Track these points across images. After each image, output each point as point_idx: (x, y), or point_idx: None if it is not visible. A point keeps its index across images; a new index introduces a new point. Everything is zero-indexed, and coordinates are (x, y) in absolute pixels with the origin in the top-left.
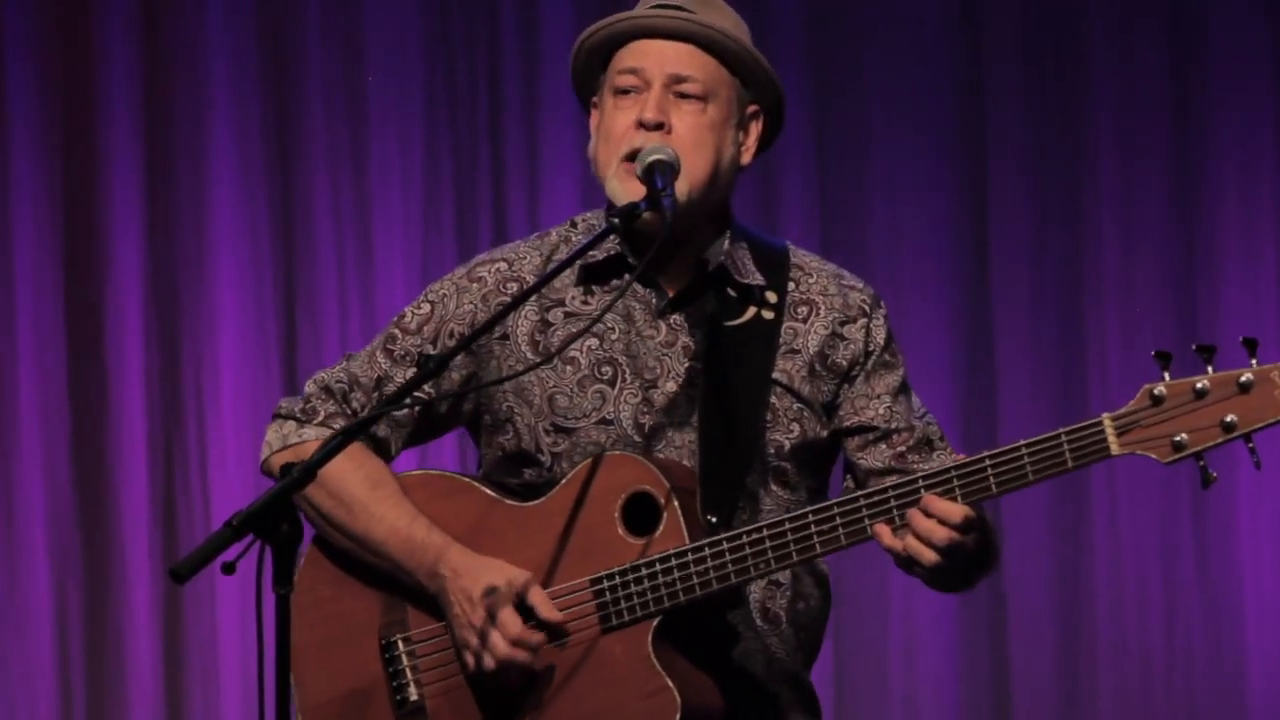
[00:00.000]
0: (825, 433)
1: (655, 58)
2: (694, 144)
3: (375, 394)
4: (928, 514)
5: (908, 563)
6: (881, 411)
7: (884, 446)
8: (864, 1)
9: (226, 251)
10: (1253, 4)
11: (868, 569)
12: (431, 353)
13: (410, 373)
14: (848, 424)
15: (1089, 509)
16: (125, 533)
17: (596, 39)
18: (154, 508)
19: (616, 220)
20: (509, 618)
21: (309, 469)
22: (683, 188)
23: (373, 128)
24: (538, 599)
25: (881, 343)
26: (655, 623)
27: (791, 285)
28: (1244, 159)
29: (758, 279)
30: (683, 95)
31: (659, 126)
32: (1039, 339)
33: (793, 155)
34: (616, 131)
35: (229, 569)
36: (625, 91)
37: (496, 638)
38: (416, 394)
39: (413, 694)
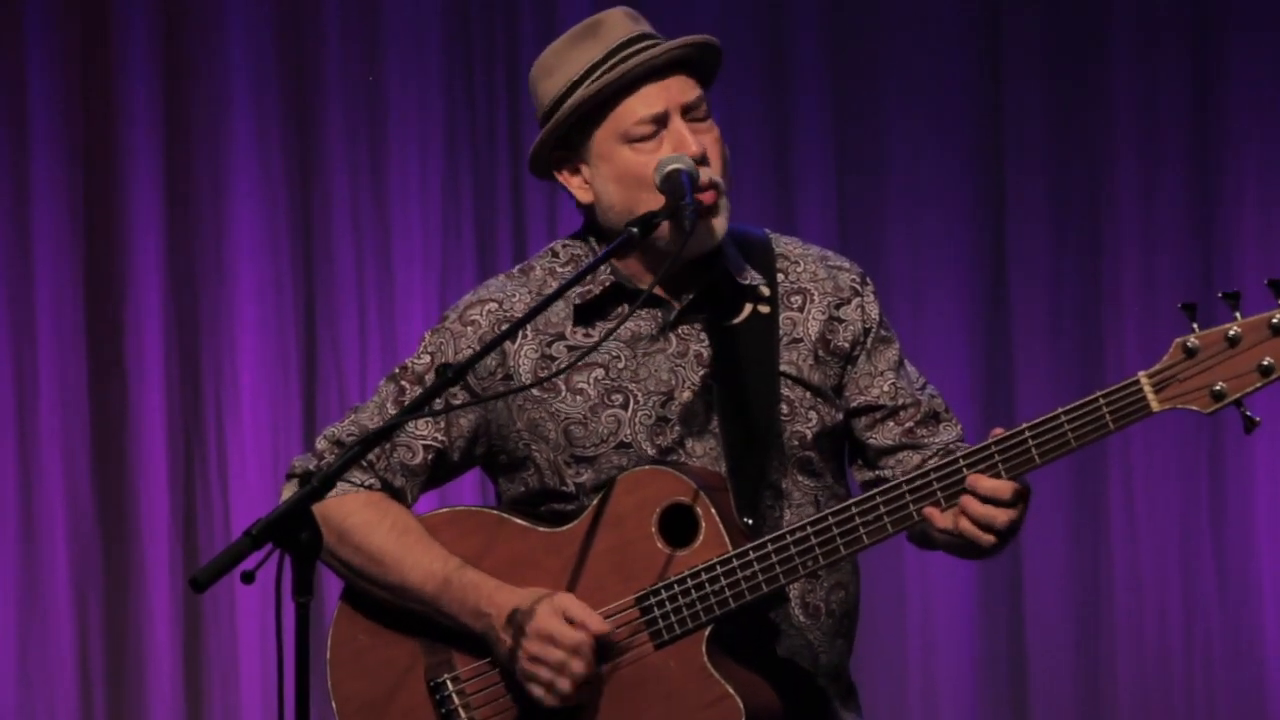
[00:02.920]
0: (840, 416)
1: (666, 96)
2: (721, 161)
3: (388, 445)
4: (979, 496)
5: (923, 538)
6: (886, 389)
7: (892, 424)
8: (884, 10)
9: (246, 262)
10: (1274, 12)
11: (885, 567)
12: (438, 404)
13: (421, 423)
14: (854, 404)
15: (1106, 507)
16: (145, 542)
17: (606, 93)
18: (174, 517)
19: (635, 229)
20: (563, 630)
21: (327, 478)
22: (726, 210)
23: (392, 137)
24: (583, 614)
25: (876, 319)
26: (707, 632)
27: (781, 276)
28: (1262, 160)
29: (755, 277)
30: (696, 120)
31: (704, 160)
32: (1057, 342)
33: (811, 156)
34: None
35: (248, 578)
36: (643, 139)
37: (557, 654)
38: (429, 443)
39: None
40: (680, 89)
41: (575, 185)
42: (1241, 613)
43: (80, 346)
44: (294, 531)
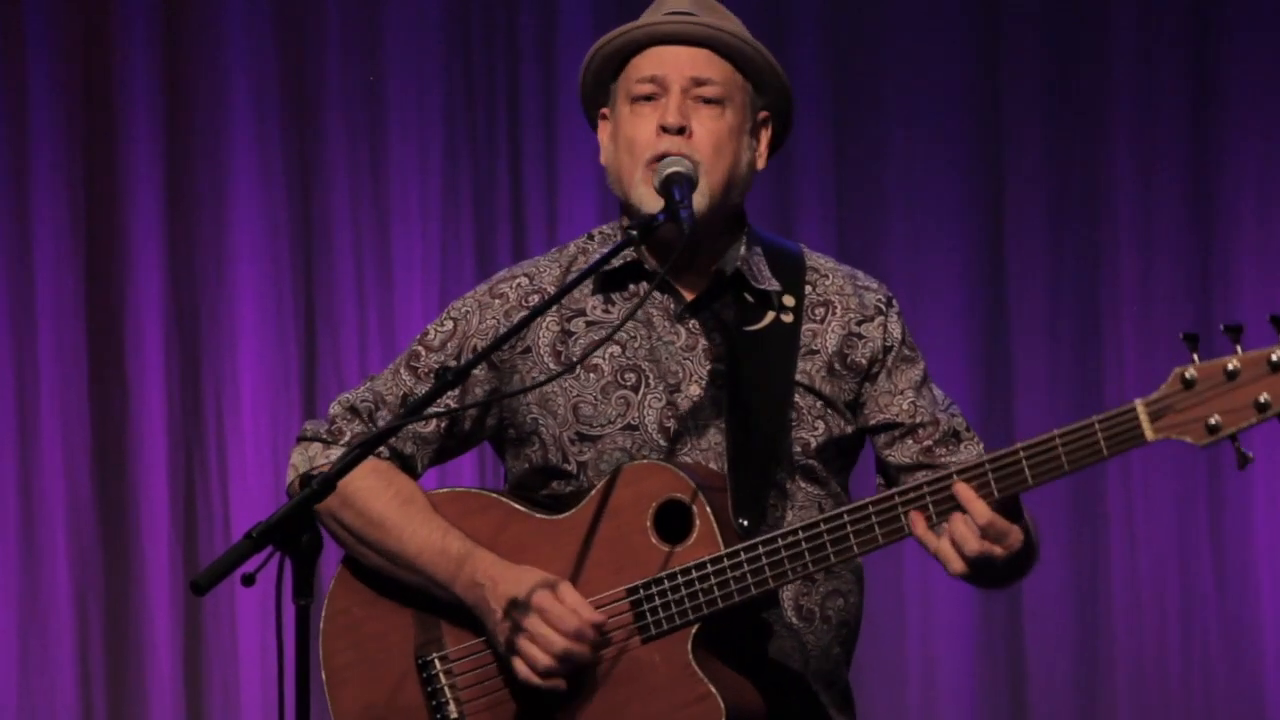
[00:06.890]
0: (850, 429)
1: (674, 63)
2: (714, 148)
3: (401, 411)
4: (957, 506)
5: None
6: (905, 406)
7: (911, 441)
8: (883, 11)
9: (246, 264)
10: (1274, 11)
11: (884, 581)
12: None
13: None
14: (874, 421)
15: (1106, 520)
16: (146, 545)
17: (612, 47)
18: (174, 520)
19: (635, 232)
20: (563, 612)
21: (328, 480)
22: (704, 193)
23: (392, 138)
24: (576, 601)
25: (899, 338)
26: (694, 630)
27: (808, 288)
28: (1261, 167)
29: (774, 284)
30: (702, 99)
31: (681, 130)
32: (1055, 349)
33: (810, 162)
34: (639, 139)
35: (249, 580)
36: (644, 99)
37: (551, 634)
38: (440, 409)
39: (452, 712)
40: (693, 62)
41: (603, 143)
42: (1240, 617)
43: (80, 347)
44: (295, 534)
